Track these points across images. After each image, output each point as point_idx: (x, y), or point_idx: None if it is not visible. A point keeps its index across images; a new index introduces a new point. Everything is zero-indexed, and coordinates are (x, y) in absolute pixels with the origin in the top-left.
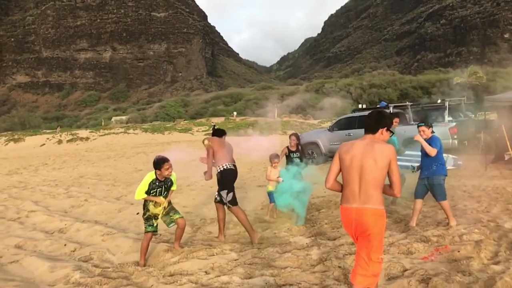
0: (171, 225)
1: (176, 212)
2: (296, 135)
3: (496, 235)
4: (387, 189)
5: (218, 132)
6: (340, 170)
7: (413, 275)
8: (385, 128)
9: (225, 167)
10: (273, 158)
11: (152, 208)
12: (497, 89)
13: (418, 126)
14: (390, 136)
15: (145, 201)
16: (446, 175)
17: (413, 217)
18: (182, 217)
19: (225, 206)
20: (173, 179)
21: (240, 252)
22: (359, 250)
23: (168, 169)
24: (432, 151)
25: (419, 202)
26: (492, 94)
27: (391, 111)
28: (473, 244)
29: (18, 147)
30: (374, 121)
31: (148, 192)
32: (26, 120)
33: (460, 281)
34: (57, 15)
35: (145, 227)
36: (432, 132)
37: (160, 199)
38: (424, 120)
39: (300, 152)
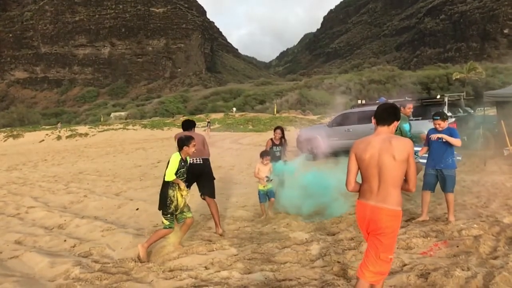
0: (181, 221)
1: (189, 210)
2: (281, 128)
3: (495, 230)
4: (402, 184)
5: (185, 125)
6: (358, 169)
7: (412, 270)
8: (396, 120)
9: (191, 162)
10: (265, 155)
11: (179, 198)
12: (496, 85)
13: (433, 120)
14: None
15: (170, 192)
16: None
17: (424, 210)
18: (192, 216)
19: (201, 196)
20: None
21: (239, 248)
22: (369, 247)
23: (194, 145)
24: (458, 142)
25: (428, 194)
26: (492, 89)
27: None
28: (472, 239)
29: (17, 143)
30: (388, 114)
31: (176, 173)
32: (25, 116)
33: (459, 276)
34: (55, 11)
35: (169, 222)
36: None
37: (184, 186)
38: (439, 113)
39: (282, 146)
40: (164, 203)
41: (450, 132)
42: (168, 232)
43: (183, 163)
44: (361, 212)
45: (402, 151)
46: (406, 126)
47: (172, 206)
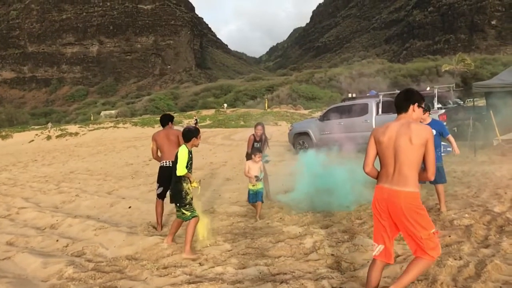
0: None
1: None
2: (262, 124)
3: (486, 219)
4: (420, 172)
5: (161, 121)
6: (377, 153)
7: (406, 260)
8: (416, 104)
9: (162, 164)
10: (256, 151)
11: (190, 189)
12: (485, 76)
13: None
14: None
15: (184, 185)
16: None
17: None
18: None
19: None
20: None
21: (233, 243)
22: (404, 235)
23: (200, 137)
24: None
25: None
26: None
27: (381, 100)
28: (464, 229)
29: (6, 144)
30: (404, 98)
31: (186, 166)
32: (13, 116)
33: (452, 265)
34: (42, 9)
35: (190, 212)
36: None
37: (193, 178)
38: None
39: (262, 141)
40: (180, 196)
41: (439, 127)
42: (196, 221)
43: (191, 155)
44: (379, 196)
45: (419, 135)
46: None
47: (188, 198)
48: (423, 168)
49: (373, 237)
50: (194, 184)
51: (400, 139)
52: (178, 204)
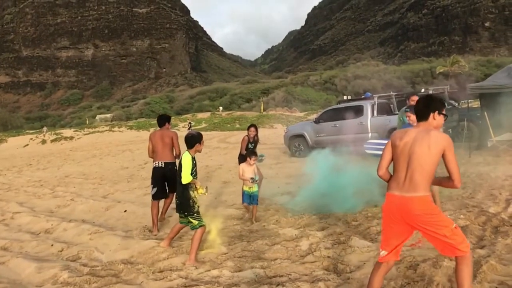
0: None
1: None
2: (255, 126)
3: (481, 220)
4: (445, 181)
5: (158, 121)
6: (392, 157)
7: (402, 262)
8: (436, 111)
9: (155, 165)
10: (251, 154)
11: (197, 196)
12: (479, 77)
13: (405, 111)
14: (444, 120)
15: (191, 193)
16: None
17: None
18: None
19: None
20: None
21: (229, 246)
22: (427, 237)
23: (203, 142)
24: None
25: None
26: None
27: (376, 102)
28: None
29: (0, 148)
30: (423, 106)
31: (191, 173)
32: (8, 121)
33: (447, 266)
34: (36, 13)
35: (198, 221)
36: None
37: (199, 184)
38: (410, 107)
39: (255, 143)
40: (188, 204)
41: None
42: (203, 231)
43: (194, 161)
44: (390, 203)
45: (437, 143)
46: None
47: (196, 206)
48: (448, 177)
49: (381, 243)
50: (201, 191)
51: (416, 145)
52: (185, 213)
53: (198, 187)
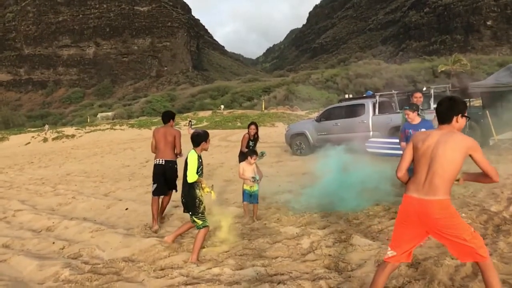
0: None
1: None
2: (255, 123)
3: (482, 218)
4: (482, 178)
5: (163, 117)
6: (413, 159)
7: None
8: (460, 114)
9: (156, 163)
10: (252, 153)
11: (203, 195)
12: (481, 76)
13: (404, 109)
14: (467, 121)
15: (197, 192)
16: None
17: None
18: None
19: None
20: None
21: (230, 244)
22: (445, 242)
23: (209, 141)
24: None
25: None
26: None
27: (377, 100)
28: None
29: (2, 146)
30: (446, 108)
31: (197, 172)
32: (9, 119)
33: (449, 264)
34: (38, 11)
35: (202, 221)
36: (419, 115)
37: (205, 183)
38: (409, 105)
39: (255, 141)
40: (193, 204)
41: (427, 127)
42: (206, 231)
43: (200, 160)
44: (408, 206)
45: (461, 146)
46: None
47: (202, 207)
48: (482, 173)
49: (391, 242)
50: (207, 190)
51: (439, 148)
52: (190, 213)
53: (203, 186)
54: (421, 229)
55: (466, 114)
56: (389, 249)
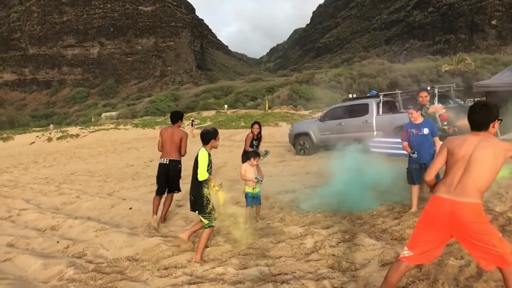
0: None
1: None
2: (258, 123)
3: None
4: None
5: (172, 117)
6: (446, 163)
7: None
8: (496, 120)
9: (161, 162)
10: (255, 155)
11: (211, 194)
12: (485, 75)
13: (407, 108)
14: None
15: (206, 191)
16: None
17: (414, 203)
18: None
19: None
20: None
21: (234, 243)
22: (471, 247)
23: (219, 138)
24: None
25: (416, 187)
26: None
27: (381, 100)
28: None
29: (7, 146)
30: (484, 117)
31: (207, 170)
32: (14, 118)
33: (453, 264)
34: (43, 11)
35: (208, 221)
36: (422, 115)
37: (214, 182)
38: (413, 104)
39: (259, 140)
40: (201, 203)
41: (430, 126)
42: (211, 231)
43: (210, 158)
44: (438, 207)
45: (501, 152)
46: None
47: (209, 206)
48: None
49: (409, 242)
50: (216, 188)
51: (479, 154)
52: (198, 212)
53: (212, 184)
54: (446, 233)
55: (499, 118)
56: (406, 248)
